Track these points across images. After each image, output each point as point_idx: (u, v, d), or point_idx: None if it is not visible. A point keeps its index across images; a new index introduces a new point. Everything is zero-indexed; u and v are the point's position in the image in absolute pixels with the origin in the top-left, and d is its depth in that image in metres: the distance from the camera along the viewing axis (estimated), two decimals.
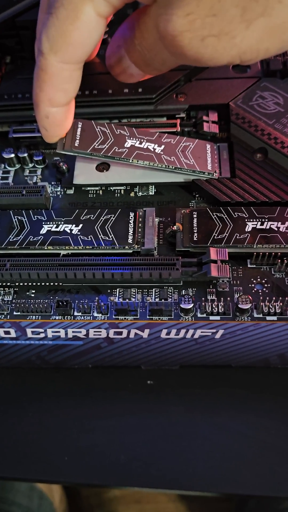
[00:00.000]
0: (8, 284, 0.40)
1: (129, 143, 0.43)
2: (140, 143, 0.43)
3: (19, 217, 0.42)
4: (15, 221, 0.42)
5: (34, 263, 0.39)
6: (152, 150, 0.43)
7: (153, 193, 0.44)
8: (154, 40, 0.30)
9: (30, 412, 0.45)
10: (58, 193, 0.45)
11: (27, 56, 0.50)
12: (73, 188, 0.45)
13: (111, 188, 0.45)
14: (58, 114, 0.37)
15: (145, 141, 0.43)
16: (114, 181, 0.44)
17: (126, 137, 0.44)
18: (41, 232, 0.41)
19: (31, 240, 0.40)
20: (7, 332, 0.41)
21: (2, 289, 0.40)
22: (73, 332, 0.40)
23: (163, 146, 0.43)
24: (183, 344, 0.42)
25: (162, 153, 0.43)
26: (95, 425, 0.44)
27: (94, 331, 0.40)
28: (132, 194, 0.44)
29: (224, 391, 0.45)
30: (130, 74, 0.35)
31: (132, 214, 0.41)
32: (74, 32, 0.29)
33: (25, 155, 0.46)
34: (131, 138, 0.44)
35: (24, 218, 0.42)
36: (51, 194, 0.45)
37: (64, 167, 0.45)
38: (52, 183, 0.46)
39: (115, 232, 0.40)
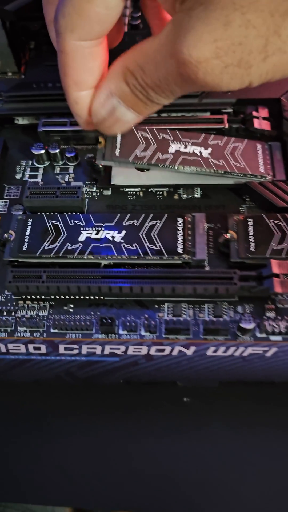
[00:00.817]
0: (44, 297, 0.36)
1: (173, 148, 0.39)
2: (185, 147, 0.39)
3: (53, 221, 0.38)
4: (50, 226, 0.37)
5: (74, 274, 0.35)
6: (199, 154, 0.39)
7: (199, 196, 0.40)
8: (166, 72, 0.28)
9: (55, 432, 0.41)
10: (94, 194, 0.41)
11: None
12: (111, 189, 0.41)
13: (152, 189, 0.41)
14: (88, 97, 0.33)
15: (190, 144, 0.39)
16: (155, 182, 0.40)
17: (170, 142, 0.40)
18: (79, 239, 0.37)
19: (68, 248, 0.36)
20: (37, 348, 0.37)
21: (36, 302, 0.36)
22: (110, 349, 0.37)
23: (210, 149, 0.39)
24: (228, 362, 0.38)
25: (209, 156, 0.39)
26: (128, 447, 0.40)
27: (134, 348, 0.36)
28: (176, 197, 0.40)
29: (268, 409, 0.41)
30: (125, 121, 0.33)
31: (180, 220, 0.37)
32: (91, 10, 0.28)
33: (57, 151, 0.42)
34: (175, 142, 0.40)
35: (60, 223, 0.38)
36: (86, 195, 0.41)
37: (100, 166, 0.40)
38: (87, 183, 0.42)
39: (163, 240, 0.36)
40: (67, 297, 0.36)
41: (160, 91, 0.30)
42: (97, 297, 0.36)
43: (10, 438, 0.41)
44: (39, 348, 0.37)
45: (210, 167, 0.38)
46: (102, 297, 0.36)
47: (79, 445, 0.40)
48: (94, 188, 0.41)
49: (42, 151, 0.42)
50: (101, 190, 0.41)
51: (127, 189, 0.41)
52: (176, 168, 0.38)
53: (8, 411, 0.41)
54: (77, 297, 0.36)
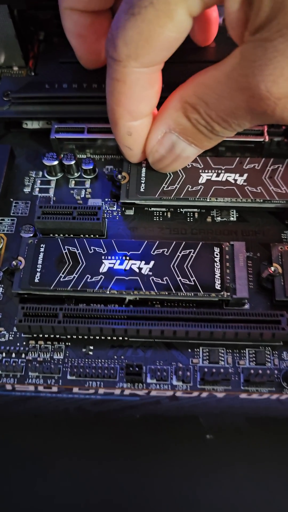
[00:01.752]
0: (59, 336, 0.31)
1: (204, 177, 0.34)
2: (218, 175, 0.34)
3: (70, 248, 0.32)
4: (66, 252, 0.32)
5: (95, 314, 0.30)
6: (233, 181, 0.34)
7: (235, 219, 0.35)
8: (234, 105, 0.27)
9: (62, 472, 0.36)
10: (115, 213, 0.36)
11: None
12: (134, 208, 0.36)
13: (181, 210, 0.36)
14: (142, 127, 0.32)
15: (223, 171, 0.35)
16: (186, 202, 0.35)
17: (200, 171, 0.35)
18: (101, 270, 0.32)
19: (88, 281, 0.31)
20: (47, 387, 0.32)
21: (50, 343, 0.31)
22: (131, 390, 0.32)
23: (246, 175, 0.35)
24: (262, 403, 0.34)
25: (245, 184, 0.34)
26: (143, 490, 0.36)
27: (159, 391, 0.32)
28: (208, 219, 0.35)
29: None
30: (185, 157, 0.33)
31: (217, 250, 0.32)
32: (162, 35, 0.26)
33: (72, 163, 0.36)
34: (206, 171, 0.35)
35: (78, 250, 0.32)
36: (105, 215, 0.36)
37: (122, 180, 0.35)
38: (106, 199, 0.36)
39: (198, 273, 0.31)
40: (86, 337, 0.31)
41: (227, 125, 0.28)
42: (120, 337, 0.31)
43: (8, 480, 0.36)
44: (49, 387, 0.32)
45: (247, 196, 0.34)
46: (126, 338, 0.31)
47: (87, 487, 0.36)
48: (115, 206, 0.36)
49: (55, 162, 0.36)
50: (123, 209, 0.36)
51: (152, 209, 0.36)
52: (208, 200, 0.34)
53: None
54: (97, 337, 0.31)
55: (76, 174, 0.37)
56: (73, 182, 0.37)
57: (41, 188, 0.37)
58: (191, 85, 0.29)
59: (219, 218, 0.35)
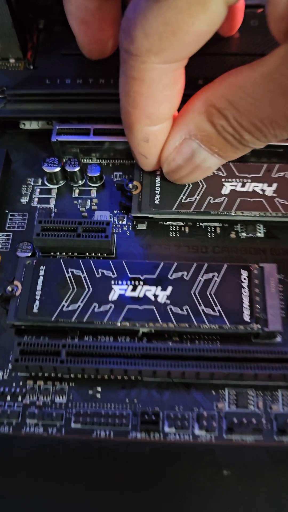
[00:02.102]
0: (61, 375, 0.27)
1: (227, 187, 0.30)
2: (243, 184, 0.30)
3: (74, 271, 0.28)
4: (70, 276, 0.28)
5: (104, 352, 0.26)
6: (261, 192, 0.30)
7: (262, 235, 0.31)
8: (274, 112, 0.23)
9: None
10: (125, 228, 0.31)
11: None
12: (146, 222, 0.31)
13: (201, 224, 0.31)
14: (161, 132, 0.27)
15: (249, 180, 0.30)
16: (207, 216, 0.30)
17: (223, 180, 0.30)
18: (110, 298, 0.27)
19: (95, 310, 0.27)
20: (48, 437, 0.28)
21: (51, 383, 0.27)
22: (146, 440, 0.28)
23: (275, 185, 0.30)
24: None
25: (275, 195, 0.30)
26: None
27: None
28: (232, 235, 0.31)
29: None
30: (206, 168, 0.28)
31: (245, 274, 0.28)
32: (192, 27, 0.22)
33: (76, 169, 0.32)
34: (230, 180, 0.30)
35: (83, 273, 0.28)
36: (114, 230, 0.31)
37: (133, 191, 0.31)
38: (115, 212, 0.32)
39: (223, 301, 0.27)
40: (93, 376, 0.27)
41: (261, 135, 0.24)
42: (133, 377, 0.27)
43: None
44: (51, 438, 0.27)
45: (277, 210, 0.29)
46: (139, 377, 0.27)
47: None
48: (125, 219, 0.31)
49: (57, 169, 0.32)
50: (134, 223, 0.31)
51: (168, 223, 0.31)
52: (233, 214, 0.29)
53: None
54: (106, 376, 0.27)
55: (80, 182, 0.33)
56: (77, 191, 0.33)
57: (41, 198, 0.32)
58: (219, 86, 0.25)
59: (244, 234, 0.31)
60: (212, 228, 0.31)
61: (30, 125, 0.34)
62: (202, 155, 0.27)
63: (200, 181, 0.30)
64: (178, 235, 0.31)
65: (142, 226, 0.31)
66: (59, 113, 0.33)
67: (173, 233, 0.31)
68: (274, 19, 0.22)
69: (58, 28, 0.36)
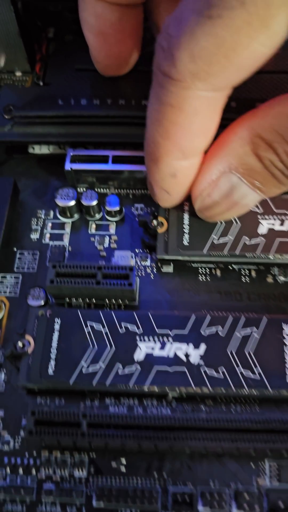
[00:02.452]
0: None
1: (264, 226, 0.27)
2: (282, 222, 0.27)
3: (94, 325, 0.25)
4: (89, 331, 0.25)
5: (130, 423, 0.23)
6: None
7: None
8: None
9: None
10: (148, 270, 0.28)
11: None
12: (172, 264, 0.28)
13: (234, 266, 0.28)
14: (191, 168, 0.24)
15: None
16: (240, 259, 0.27)
17: (259, 217, 0.27)
18: (136, 358, 0.24)
19: (120, 373, 0.24)
20: None
21: (69, 454, 0.24)
22: None
23: None
24: None
25: None
26: None
27: None
28: (269, 279, 0.28)
29: None
30: (244, 205, 0.25)
31: (287, 329, 0.25)
32: (249, 49, 0.19)
33: (94, 203, 0.28)
34: (267, 217, 0.27)
35: (104, 327, 0.25)
36: (137, 272, 0.28)
37: (159, 228, 0.27)
38: (137, 251, 0.29)
39: (262, 361, 0.24)
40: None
41: None
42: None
43: None
44: None
45: None
46: (170, 448, 0.24)
47: None
48: (148, 260, 0.28)
49: (72, 203, 0.28)
50: (159, 265, 0.28)
51: (196, 265, 0.28)
52: (272, 258, 0.26)
53: None
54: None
55: (97, 216, 0.29)
56: (94, 225, 0.29)
57: (53, 233, 0.29)
58: (266, 115, 0.22)
59: (282, 278, 0.28)
60: (247, 271, 0.28)
61: (40, 149, 0.30)
62: (242, 191, 0.24)
63: (234, 218, 0.27)
64: (208, 279, 0.28)
65: (168, 269, 0.28)
66: (72, 137, 0.29)
67: (203, 276, 0.28)
68: None
69: (70, 38, 0.32)
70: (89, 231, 0.29)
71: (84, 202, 0.28)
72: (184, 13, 0.19)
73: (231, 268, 0.28)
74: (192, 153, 0.23)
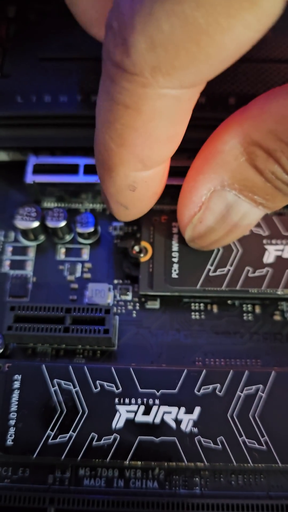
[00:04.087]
0: None
1: (271, 253, 0.22)
2: None
3: (63, 383, 0.20)
4: (56, 390, 0.20)
5: (109, 500, 0.18)
6: None
7: None
8: None
9: None
10: (129, 306, 0.23)
11: (53, 9, 0.26)
12: (159, 299, 0.23)
13: (233, 302, 0.23)
14: (154, 178, 0.19)
15: None
16: (241, 294, 0.22)
17: (265, 241, 0.22)
18: (114, 426, 0.19)
19: (94, 444, 0.19)
20: None
21: None
22: None
23: None
24: None
25: None
26: None
27: None
28: (276, 317, 0.23)
29: None
30: (246, 226, 0.20)
31: None
32: (231, 32, 0.14)
33: (62, 224, 0.23)
34: (273, 241, 0.22)
35: (74, 387, 0.20)
36: (115, 309, 0.23)
37: (142, 257, 0.22)
38: (115, 282, 0.24)
39: (270, 427, 0.19)
40: None
41: None
42: None
43: None
44: None
45: None
46: None
47: None
48: (130, 294, 0.23)
49: (36, 224, 0.23)
50: (143, 300, 0.23)
51: (188, 300, 0.23)
52: (280, 293, 0.21)
53: None
54: None
55: (67, 237, 0.24)
56: (63, 250, 0.24)
57: (14, 260, 0.24)
58: (262, 116, 0.17)
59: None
60: (249, 306, 0.23)
61: None
62: (241, 210, 0.19)
63: (234, 243, 0.22)
64: (203, 317, 0.23)
65: (154, 304, 0.23)
66: (35, 141, 0.24)
67: (196, 313, 0.23)
68: None
69: (34, 17, 0.27)
70: (57, 257, 0.24)
71: (50, 224, 0.23)
72: None
73: (230, 303, 0.23)
74: (155, 163, 0.18)
